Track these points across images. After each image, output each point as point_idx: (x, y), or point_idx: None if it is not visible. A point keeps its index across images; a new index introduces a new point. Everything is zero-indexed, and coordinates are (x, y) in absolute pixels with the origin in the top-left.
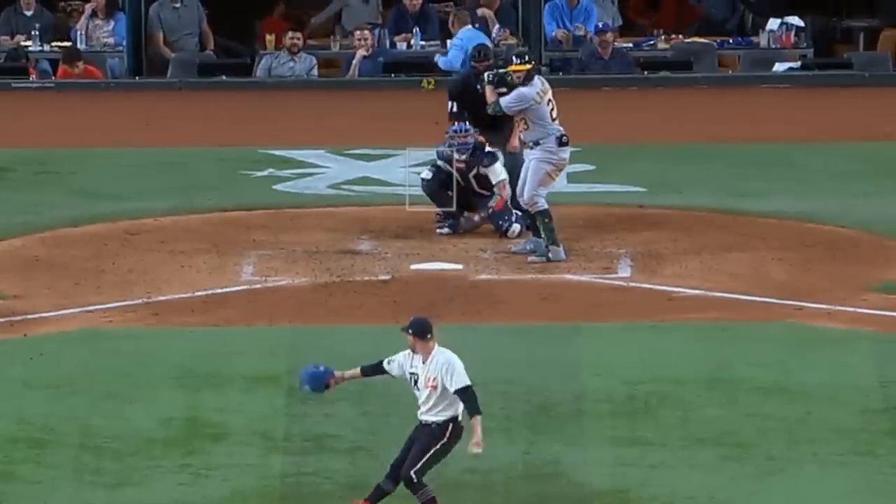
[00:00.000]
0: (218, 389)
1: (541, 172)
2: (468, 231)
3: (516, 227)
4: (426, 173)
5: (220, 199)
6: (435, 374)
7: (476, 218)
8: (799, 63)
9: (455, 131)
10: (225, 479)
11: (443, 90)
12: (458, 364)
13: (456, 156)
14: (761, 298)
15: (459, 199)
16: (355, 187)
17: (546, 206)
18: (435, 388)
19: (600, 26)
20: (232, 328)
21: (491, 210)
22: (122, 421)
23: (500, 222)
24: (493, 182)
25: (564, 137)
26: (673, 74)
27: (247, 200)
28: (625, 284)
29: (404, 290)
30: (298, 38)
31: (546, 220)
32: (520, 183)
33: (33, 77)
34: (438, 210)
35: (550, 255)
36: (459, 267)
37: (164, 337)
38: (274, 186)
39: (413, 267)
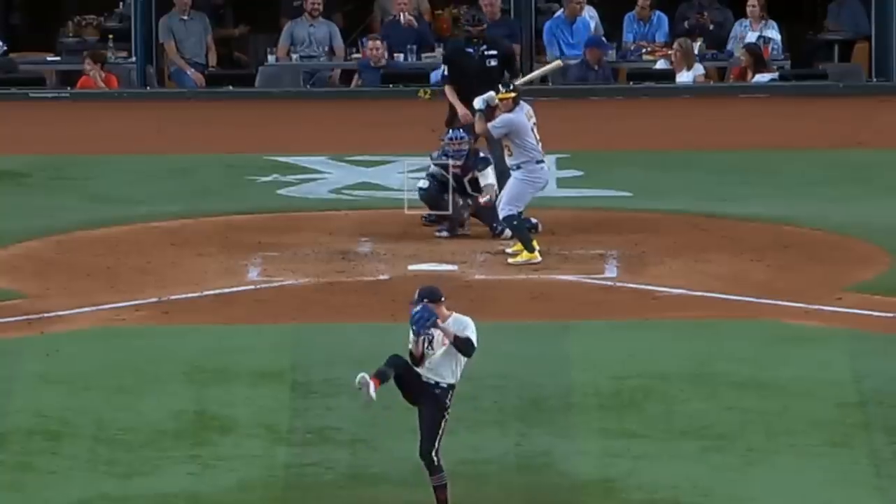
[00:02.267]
0: (225, 384)
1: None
2: (464, 219)
3: (509, 231)
4: (423, 182)
5: (228, 204)
6: (452, 329)
7: (466, 213)
8: (777, 74)
9: (451, 138)
10: (232, 469)
11: (439, 101)
12: (472, 325)
13: (451, 161)
14: (741, 298)
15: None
16: (355, 192)
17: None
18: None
19: (594, 40)
20: (239, 326)
21: (477, 203)
22: (134, 414)
23: (494, 224)
24: (482, 185)
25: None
26: (657, 85)
27: (253, 204)
28: (611, 284)
29: (402, 290)
30: (319, 3)
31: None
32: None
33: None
34: (430, 212)
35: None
36: (455, 268)
37: (174, 334)
38: (278, 191)
39: (411, 267)
